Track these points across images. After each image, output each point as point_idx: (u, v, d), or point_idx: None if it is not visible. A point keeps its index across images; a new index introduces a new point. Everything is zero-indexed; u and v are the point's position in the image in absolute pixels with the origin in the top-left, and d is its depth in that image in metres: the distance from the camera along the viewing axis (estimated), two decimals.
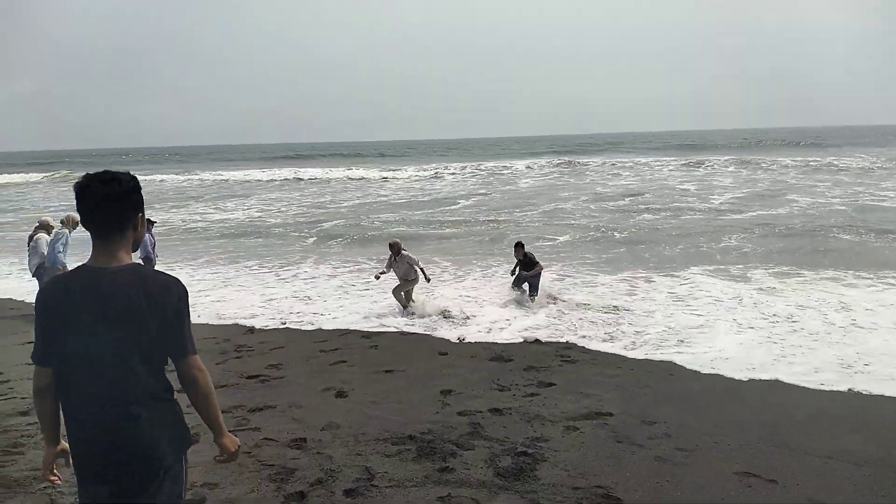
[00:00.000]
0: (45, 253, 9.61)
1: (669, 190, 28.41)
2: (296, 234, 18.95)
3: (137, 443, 2.28)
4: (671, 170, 40.14)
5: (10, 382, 6.55)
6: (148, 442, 2.29)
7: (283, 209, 26.10)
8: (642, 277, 11.57)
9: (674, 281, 11.20)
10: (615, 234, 16.85)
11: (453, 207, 24.91)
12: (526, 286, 10.03)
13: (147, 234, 12.46)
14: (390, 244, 9.77)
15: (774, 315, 8.77)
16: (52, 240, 9.66)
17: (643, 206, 22.62)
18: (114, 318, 2.22)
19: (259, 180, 41.48)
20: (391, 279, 10.03)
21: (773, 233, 16.15)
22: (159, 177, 45.11)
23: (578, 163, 45.19)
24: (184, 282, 2.42)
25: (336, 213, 23.77)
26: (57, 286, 2.30)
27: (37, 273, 9.73)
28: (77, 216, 10.00)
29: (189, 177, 45.19)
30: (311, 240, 17.88)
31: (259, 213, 24.93)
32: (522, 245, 10.15)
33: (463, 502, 4.05)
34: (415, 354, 7.53)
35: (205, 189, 37.95)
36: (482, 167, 43.97)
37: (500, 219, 20.58)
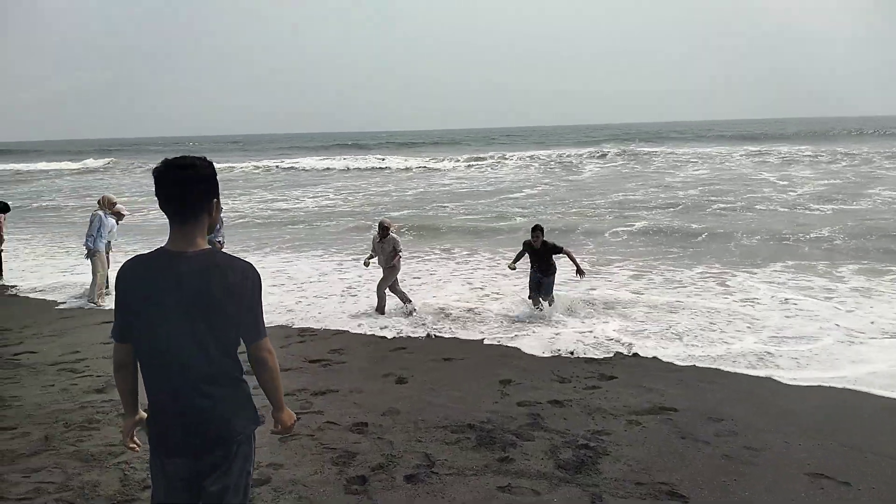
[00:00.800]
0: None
1: (746, 180, 27.23)
2: (367, 223, 19.10)
3: (212, 422, 2.38)
4: (741, 157, 38.73)
5: (86, 360, 6.83)
6: (222, 421, 2.40)
7: (350, 198, 26.35)
8: (724, 272, 11.07)
9: (756, 278, 10.65)
10: (692, 225, 16.20)
11: (517, 196, 24.69)
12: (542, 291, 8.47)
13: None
14: (380, 223, 8.95)
15: (854, 311, 8.38)
16: (89, 221, 10.02)
17: (718, 197, 21.73)
18: (191, 302, 2.31)
19: (328, 168, 41.43)
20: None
21: (863, 227, 15.28)
22: (228, 164, 45.98)
23: (641, 152, 44.05)
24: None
25: (401, 202, 23.79)
26: (137, 267, 2.39)
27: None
28: (113, 197, 10.33)
29: (254, 164, 45.76)
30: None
31: (328, 202, 25.21)
32: (542, 229, 8.44)
33: (523, 493, 4.02)
34: (473, 344, 7.52)
35: (271, 177, 38.60)
36: (539, 156, 43.04)
37: (570, 210, 20.28)
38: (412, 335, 7.87)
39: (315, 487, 4.07)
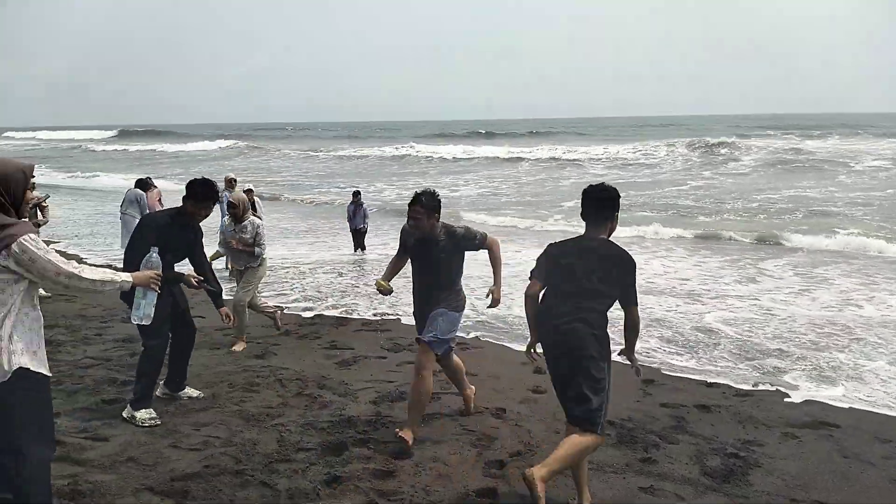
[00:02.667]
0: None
1: None
2: (545, 211, 19.05)
3: (583, 346, 3.52)
4: None
5: (248, 328, 7.35)
6: (588, 346, 3.52)
7: (505, 188, 26.41)
8: None
9: None
10: None
11: (682, 189, 23.69)
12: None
13: (352, 205, 13.35)
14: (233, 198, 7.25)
15: None
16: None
17: None
18: (598, 271, 3.53)
19: (471, 157, 41.04)
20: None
21: None
22: (373, 150, 47.33)
23: (802, 148, 40.44)
24: None
25: (568, 193, 23.41)
26: (567, 243, 3.75)
27: None
28: (232, 174, 10.99)
29: (398, 150, 46.52)
30: (556, 217, 17.95)
31: (484, 190, 25.44)
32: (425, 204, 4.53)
33: (667, 496, 3.90)
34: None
35: (413, 163, 39.44)
36: (673, 145, 40.17)
37: (751, 205, 19.20)
38: None
39: (455, 467, 4.16)
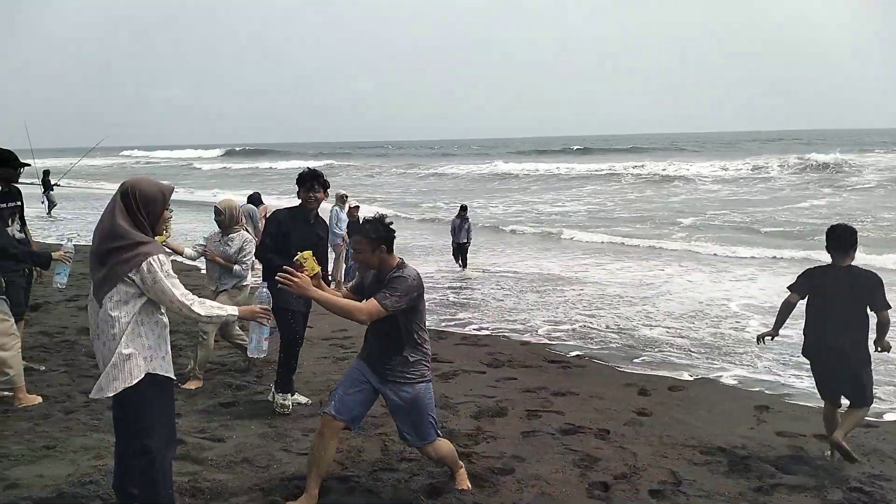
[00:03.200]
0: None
1: None
2: (665, 229, 18.64)
3: (851, 357, 4.47)
4: None
5: (351, 339, 7.55)
6: (854, 357, 4.47)
7: (611, 204, 25.98)
8: None
9: None
10: None
11: (801, 206, 22.62)
12: None
13: (457, 219, 13.47)
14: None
15: None
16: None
17: None
18: (854, 290, 4.46)
19: (570, 174, 40.55)
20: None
21: None
22: (470, 167, 47.55)
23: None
24: None
25: (680, 209, 22.85)
26: (825, 269, 4.67)
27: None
28: (343, 191, 11.47)
29: (496, 167, 46.37)
30: (678, 235, 17.57)
31: (591, 207, 25.10)
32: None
33: None
34: (723, 366, 7.05)
35: (512, 180, 39.31)
36: (793, 162, 37.86)
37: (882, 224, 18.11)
38: (659, 345, 7.59)
39: (557, 486, 4.10)
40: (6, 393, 5.25)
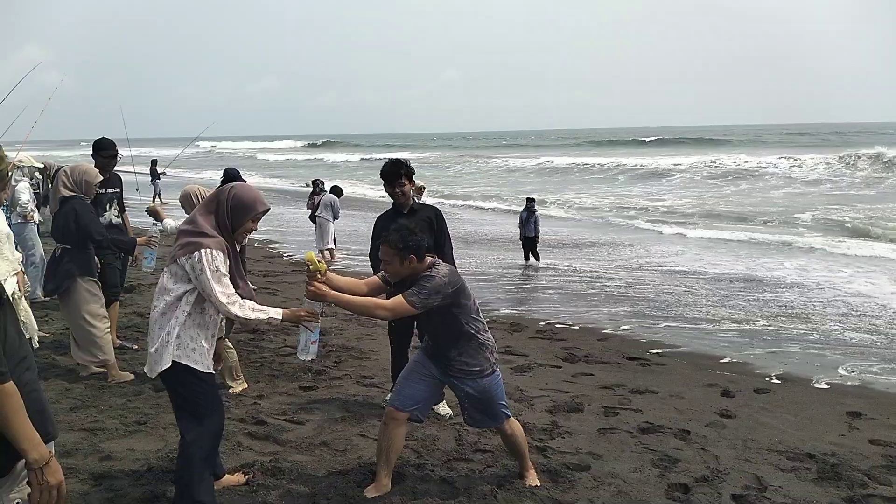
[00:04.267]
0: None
1: None
2: (791, 227, 17.78)
3: None
4: None
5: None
6: None
7: (709, 198, 25.08)
8: None
9: None
10: None
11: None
12: None
13: (524, 212, 13.25)
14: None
15: None
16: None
17: None
18: None
19: (630, 165, 38.80)
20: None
21: None
22: (541, 159, 46.84)
23: None
24: None
25: (790, 205, 21.84)
26: None
27: None
28: (421, 182, 11.48)
29: (577, 159, 45.52)
30: (812, 234, 16.52)
31: (686, 201, 24.35)
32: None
33: None
34: (813, 368, 6.72)
35: (596, 172, 38.35)
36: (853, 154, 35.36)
37: None
38: (741, 346, 7.33)
39: (635, 486, 4.01)
40: (100, 369, 5.55)
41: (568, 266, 12.59)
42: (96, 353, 5.39)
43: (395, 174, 4.90)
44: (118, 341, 6.28)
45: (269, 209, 3.44)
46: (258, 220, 3.35)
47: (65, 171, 5.37)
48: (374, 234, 5.06)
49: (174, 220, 5.64)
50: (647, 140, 66.62)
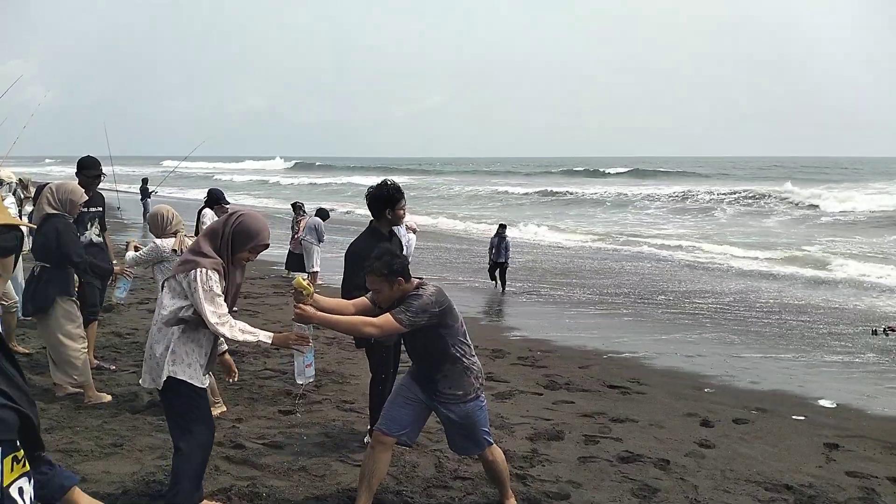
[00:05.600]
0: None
1: None
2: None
3: None
4: None
5: None
6: None
7: (766, 228, 25.06)
8: None
9: None
10: None
11: None
12: None
13: (496, 238, 13.28)
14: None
15: None
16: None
17: None
18: None
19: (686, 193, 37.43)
20: None
21: None
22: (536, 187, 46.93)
23: None
24: None
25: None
26: None
27: None
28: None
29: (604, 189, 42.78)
30: None
31: (749, 230, 24.36)
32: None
33: None
34: (791, 398, 6.79)
35: (630, 203, 36.41)
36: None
37: None
38: (721, 377, 7.38)
39: None
40: (77, 389, 5.47)
41: (547, 292, 12.65)
42: (73, 373, 5.32)
43: (400, 198, 4.82)
44: (95, 361, 6.21)
45: (269, 245, 3.47)
46: (257, 252, 3.39)
47: (50, 189, 5.34)
48: (354, 263, 4.60)
49: (135, 251, 5.48)
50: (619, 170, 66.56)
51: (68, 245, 5.19)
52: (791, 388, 7.04)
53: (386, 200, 4.80)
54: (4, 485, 1.32)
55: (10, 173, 8.58)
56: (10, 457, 1.34)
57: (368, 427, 4.99)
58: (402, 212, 4.88)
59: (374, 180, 5.41)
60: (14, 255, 1.48)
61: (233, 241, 3.30)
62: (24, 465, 1.38)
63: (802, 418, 6.12)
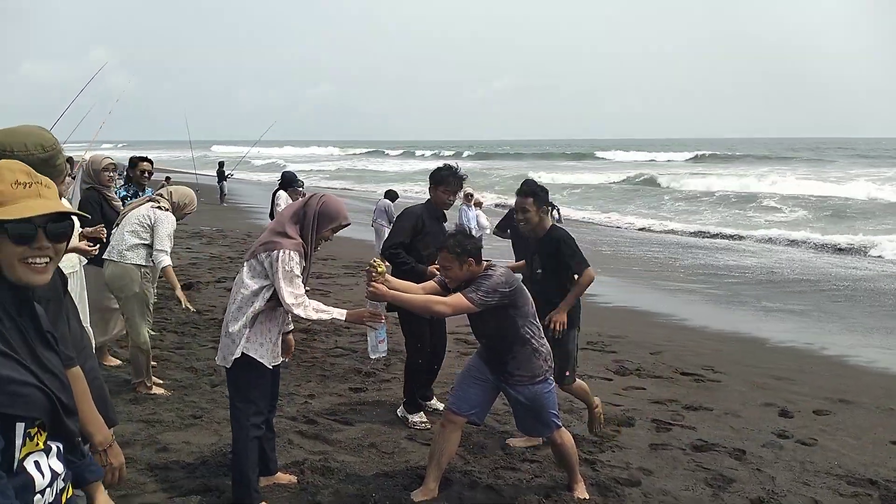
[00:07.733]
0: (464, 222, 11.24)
1: None
2: None
3: None
4: None
5: None
6: None
7: None
8: None
9: None
10: None
11: None
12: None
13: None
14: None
15: None
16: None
17: None
18: None
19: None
20: None
21: None
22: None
23: None
24: None
25: None
26: None
27: None
28: (470, 189, 11.58)
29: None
30: None
31: None
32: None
33: None
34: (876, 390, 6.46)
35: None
36: None
37: None
38: (801, 368, 7.09)
39: None
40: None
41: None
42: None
43: (461, 184, 5.19)
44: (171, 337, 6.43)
45: (350, 224, 3.55)
46: (336, 231, 3.46)
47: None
48: (406, 223, 5.00)
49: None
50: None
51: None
52: (875, 380, 6.70)
53: (450, 185, 5.09)
54: (20, 457, 1.42)
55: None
56: (26, 433, 1.44)
57: (403, 399, 5.09)
58: (444, 195, 5.09)
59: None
60: (66, 241, 1.58)
61: (318, 222, 3.37)
62: (36, 444, 1.48)
63: (890, 410, 5.82)
